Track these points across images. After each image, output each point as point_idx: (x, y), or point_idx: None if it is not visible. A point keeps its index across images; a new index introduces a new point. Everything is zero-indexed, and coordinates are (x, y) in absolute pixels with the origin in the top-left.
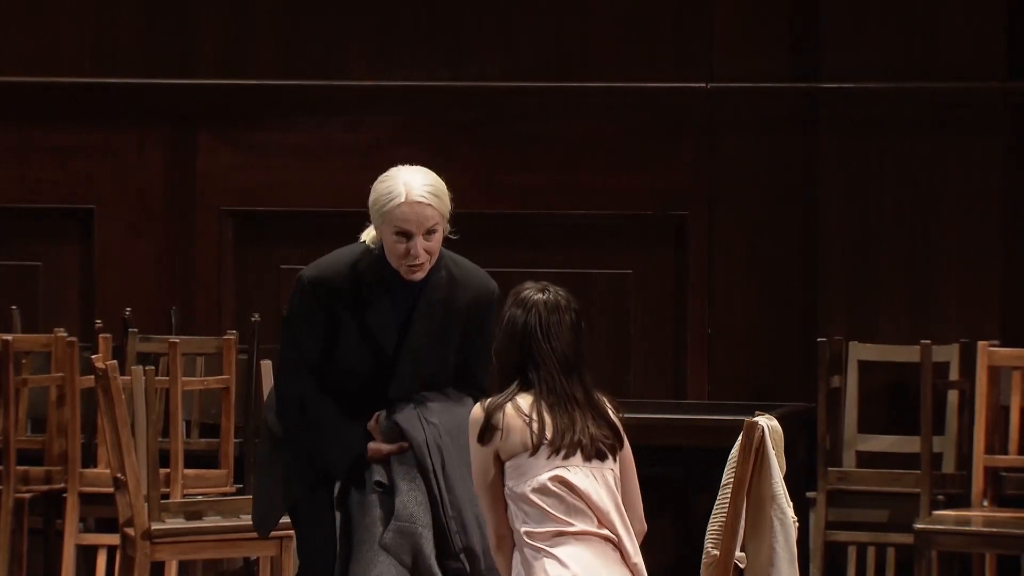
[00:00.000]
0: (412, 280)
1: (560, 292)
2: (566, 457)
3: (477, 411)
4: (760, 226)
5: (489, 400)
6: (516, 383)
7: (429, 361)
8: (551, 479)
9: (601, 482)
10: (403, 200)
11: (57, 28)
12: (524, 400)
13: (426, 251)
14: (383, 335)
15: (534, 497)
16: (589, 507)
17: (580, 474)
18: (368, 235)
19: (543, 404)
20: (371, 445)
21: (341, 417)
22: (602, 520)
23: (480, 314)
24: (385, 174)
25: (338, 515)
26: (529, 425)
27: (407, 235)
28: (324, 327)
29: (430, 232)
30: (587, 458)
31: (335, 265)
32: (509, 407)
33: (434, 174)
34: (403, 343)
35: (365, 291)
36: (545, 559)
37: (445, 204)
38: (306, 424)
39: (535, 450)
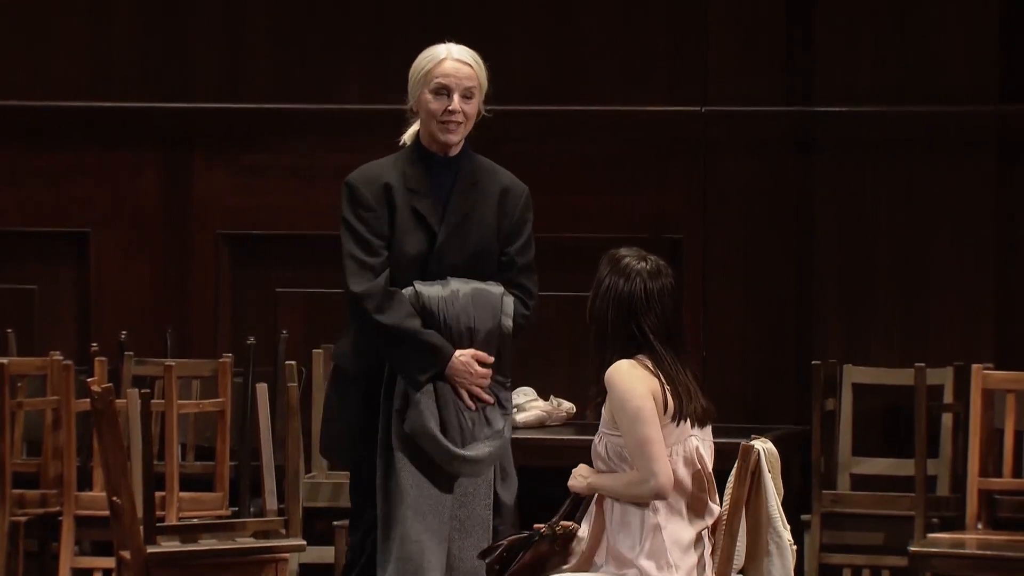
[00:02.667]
0: (448, 141)
1: (658, 259)
2: (691, 425)
3: (624, 368)
4: (755, 249)
5: (622, 360)
6: (619, 350)
7: (469, 239)
8: (694, 449)
9: (708, 449)
10: (444, 56)
11: (52, 52)
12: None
13: (463, 112)
14: (430, 212)
15: (679, 464)
16: (707, 479)
17: (698, 441)
18: (406, 135)
19: (660, 373)
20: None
21: (417, 326)
22: (711, 493)
23: (512, 208)
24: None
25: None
26: (663, 388)
27: (447, 91)
28: (384, 218)
29: (467, 97)
30: (701, 426)
31: (378, 163)
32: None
33: None
34: (444, 219)
35: (409, 177)
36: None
37: (484, 74)
38: (385, 329)
39: (675, 416)
